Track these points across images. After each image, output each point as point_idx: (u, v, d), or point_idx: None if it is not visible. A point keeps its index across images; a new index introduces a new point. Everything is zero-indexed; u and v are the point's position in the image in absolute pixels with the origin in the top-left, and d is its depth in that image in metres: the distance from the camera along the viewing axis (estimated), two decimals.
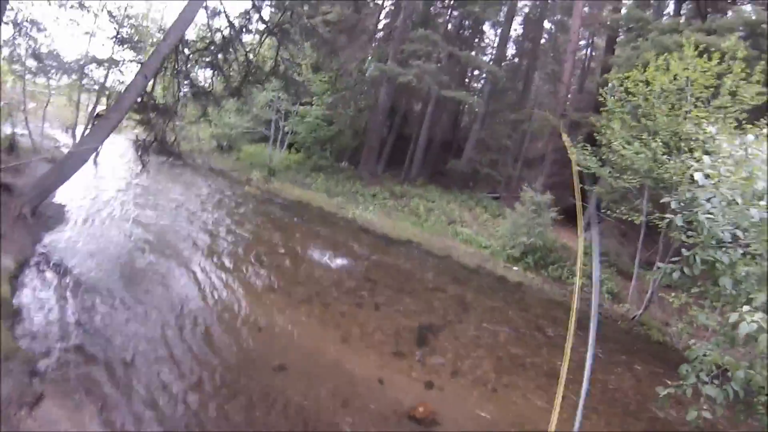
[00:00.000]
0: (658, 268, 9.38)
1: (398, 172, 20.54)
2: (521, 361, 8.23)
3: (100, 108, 11.32)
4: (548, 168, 18.26)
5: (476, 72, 24.68)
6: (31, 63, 10.99)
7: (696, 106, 10.39)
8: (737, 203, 3.28)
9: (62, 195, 9.96)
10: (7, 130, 10.03)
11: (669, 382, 3.84)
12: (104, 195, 11.97)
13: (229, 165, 20.59)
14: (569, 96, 21.54)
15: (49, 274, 6.94)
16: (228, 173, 19.56)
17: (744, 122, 9.44)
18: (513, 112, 20.56)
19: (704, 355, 3.60)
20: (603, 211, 13.77)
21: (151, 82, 10.08)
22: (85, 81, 12.12)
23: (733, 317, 2.98)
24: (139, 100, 9.91)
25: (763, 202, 3.03)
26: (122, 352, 5.78)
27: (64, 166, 8.79)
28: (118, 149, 16.40)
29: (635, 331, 11.07)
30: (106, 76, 12.60)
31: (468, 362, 7.97)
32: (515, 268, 12.84)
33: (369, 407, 6.06)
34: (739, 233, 3.35)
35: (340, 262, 11.52)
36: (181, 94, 11.93)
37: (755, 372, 3.01)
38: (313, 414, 5.69)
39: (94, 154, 10.62)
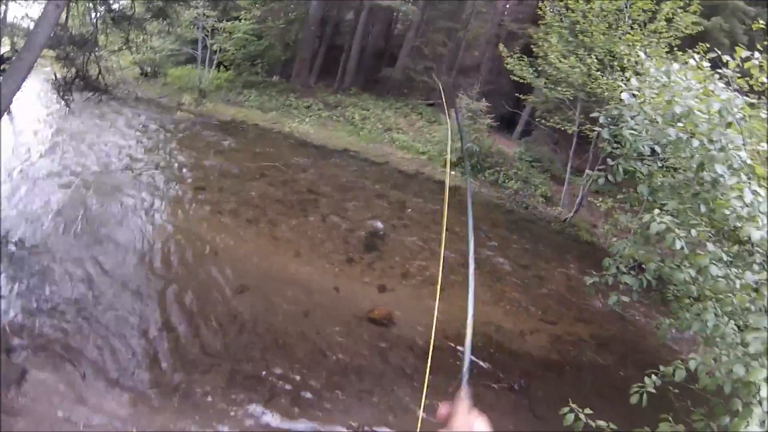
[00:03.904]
0: (588, 174, 10.38)
1: (331, 82, 20.16)
2: (464, 260, 9.06)
3: (4, 50, 9.69)
4: (484, 76, 18.68)
5: None
6: None
7: (632, 29, 10.83)
8: (658, 122, 3.77)
9: None
10: None
11: (594, 273, 4.57)
12: (29, 150, 10.51)
13: (156, 91, 19.11)
14: (507, 6, 21.45)
15: None
16: (156, 100, 18.20)
17: (676, 49, 9.96)
18: (449, 20, 20.27)
19: (624, 250, 4.29)
20: (537, 119, 14.55)
21: (64, 12, 8.87)
22: None
23: (646, 218, 3.52)
24: (52, 33, 8.72)
25: (680, 124, 3.52)
26: (86, 305, 5.72)
27: None
28: (33, 93, 14.19)
29: (567, 231, 12.28)
30: (5, 11, 10.72)
31: (416, 264, 8.61)
32: (452, 172, 13.28)
33: (330, 314, 6.55)
34: (658, 148, 3.88)
35: (281, 177, 11.53)
36: (100, 21, 10.59)
37: (664, 265, 3.67)
38: (280, 328, 6.12)
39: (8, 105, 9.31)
